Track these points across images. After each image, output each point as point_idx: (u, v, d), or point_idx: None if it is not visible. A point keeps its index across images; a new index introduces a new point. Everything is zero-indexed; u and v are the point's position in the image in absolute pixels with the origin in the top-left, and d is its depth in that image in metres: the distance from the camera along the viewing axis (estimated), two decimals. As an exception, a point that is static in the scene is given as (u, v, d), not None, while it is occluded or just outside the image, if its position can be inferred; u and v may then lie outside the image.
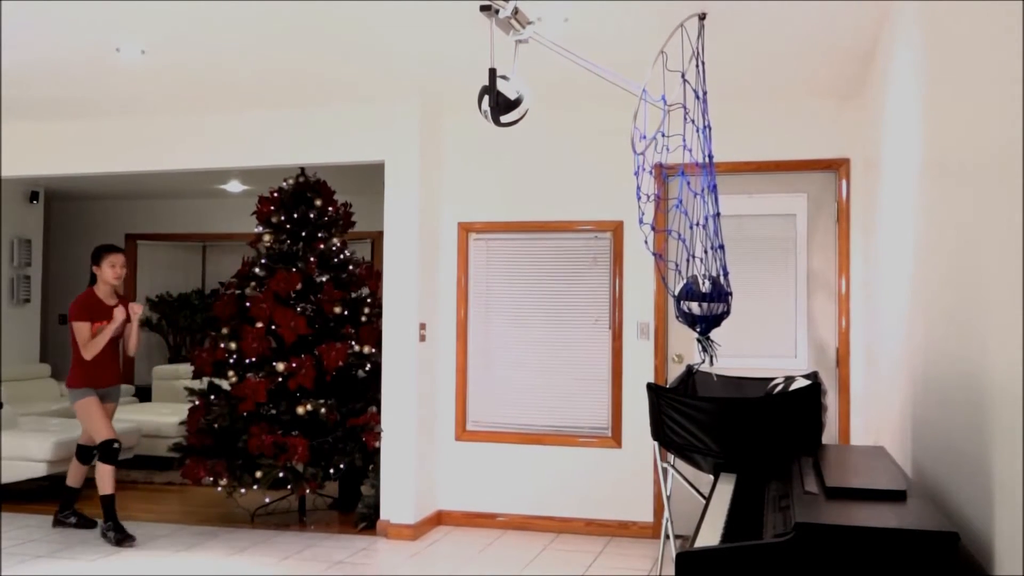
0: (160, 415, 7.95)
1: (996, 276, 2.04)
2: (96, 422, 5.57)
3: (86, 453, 5.81)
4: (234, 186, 9.28)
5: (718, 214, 4.15)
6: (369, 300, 6.28)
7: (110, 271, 5.66)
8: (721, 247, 4.12)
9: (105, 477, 5.53)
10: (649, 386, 3.99)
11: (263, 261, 6.14)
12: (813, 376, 4.12)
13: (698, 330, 4.08)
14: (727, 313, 4.09)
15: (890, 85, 4.00)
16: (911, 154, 3.37)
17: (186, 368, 8.63)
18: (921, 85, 3.15)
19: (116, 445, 5.57)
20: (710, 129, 4.11)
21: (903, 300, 3.58)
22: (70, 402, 5.68)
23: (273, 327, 5.91)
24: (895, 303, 3.85)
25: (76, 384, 5.60)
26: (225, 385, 6.05)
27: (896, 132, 3.82)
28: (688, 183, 4.14)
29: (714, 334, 4.17)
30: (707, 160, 4.08)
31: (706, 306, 4.01)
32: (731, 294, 4.13)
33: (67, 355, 10.31)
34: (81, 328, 5.55)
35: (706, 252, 4.09)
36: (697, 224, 4.11)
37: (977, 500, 2.23)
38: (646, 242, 4.41)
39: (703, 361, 4.16)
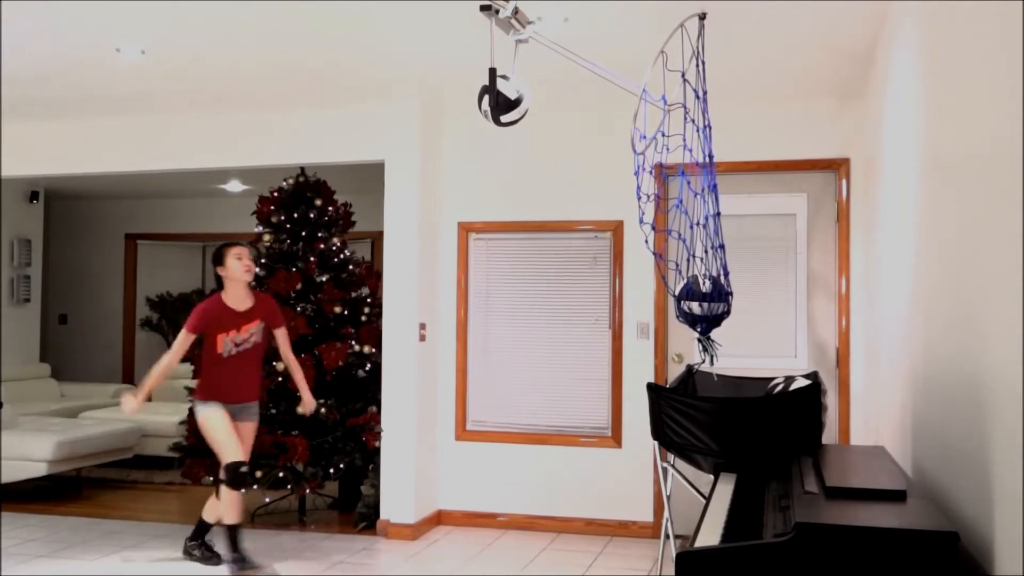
0: (160, 415, 7.95)
1: (996, 275, 2.04)
2: (220, 438, 4.78)
3: (236, 471, 4.80)
4: (234, 186, 9.28)
5: (718, 214, 4.15)
6: (369, 300, 6.28)
7: (237, 264, 4.86)
8: (721, 247, 4.12)
9: (231, 504, 4.77)
10: (649, 386, 3.99)
11: (263, 261, 6.14)
12: (813, 376, 4.12)
13: (698, 330, 4.08)
14: (727, 313, 4.09)
15: (890, 85, 4.00)
16: (911, 154, 3.37)
17: (186, 368, 8.61)
18: (921, 85, 3.15)
19: (243, 468, 4.79)
20: (710, 129, 4.11)
21: (903, 300, 3.58)
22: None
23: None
24: (895, 303, 3.85)
25: (199, 396, 4.91)
26: (225, 385, 6.04)
27: (896, 132, 3.82)
28: (688, 183, 4.14)
29: (714, 334, 4.17)
30: (707, 160, 4.08)
31: (706, 306, 4.01)
32: (731, 294, 4.13)
33: (66, 355, 10.39)
34: (181, 338, 4.80)
35: (706, 252, 4.09)
36: (697, 224, 4.11)
37: (977, 500, 2.23)
38: (646, 242, 4.42)
39: (703, 361, 4.16)
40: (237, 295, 4.89)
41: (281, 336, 5.05)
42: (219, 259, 4.91)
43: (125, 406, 4.71)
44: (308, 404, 5.10)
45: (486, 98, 3.54)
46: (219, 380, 4.86)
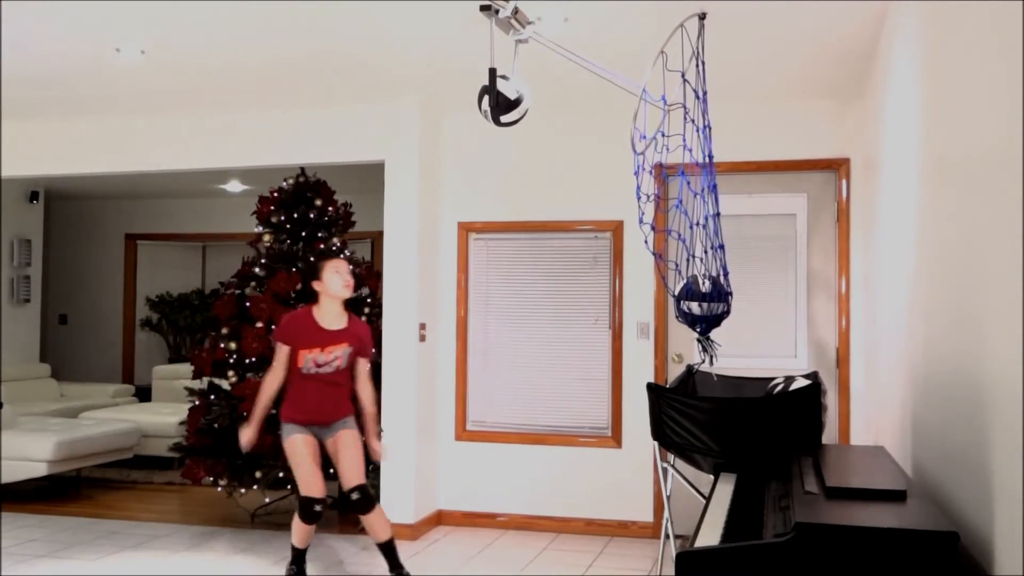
0: (160, 415, 7.95)
1: (996, 275, 2.04)
2: (300, 469, 4.48)
3: (308, 508, 4.48)
4: (234, 186, 9.28)
5: (718, 214, 4.14)
6: (369, 300, 6.28)
7: (336, 279, 4.49)
8: (721, 247, 4.12)
9: (297, 531, 4.55)
10: (649, 386, 3.99)
11: (263, 261, 6.13)
12: (813, 376, 4.12)
13: (698, 330, 4.08)
14: (727, 313, 4.09)
15: (890, 85, 4.00)
16: (911, 154, 3.37)
17: (186, 368, 8.63)
18: (920, 85, 3.15)
19: (317, 508, 4.45)
20: (710, 129, 4.11)
21: (903, 300, 3.58)
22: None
23: (273, 327, 5.91)
24: (895, 303, 3.85)
25: (283, 416, 4.57)
26: (225, 385, 6.05)
27: (896, 132, 3.82)
28: (688, 183, 4.14)
29: (714, 334, 4.17)
30: (707, 160, 4.08)
31: (706, 306, 4.01)
32: (731, 294, 4.13)
33: (66, 355, 10.39)
34: (277, 352, 4.53)
35: (706, 252, 4.09)
36: (697, 224, 4.11)
37: (977, 500, 2.22)
38: (646, 242, 4.41)
39: (703, 361, 4.16)
40: (331, 312, 4.52)
41: (363, 369, 4.64)
42: (315, 272, 4.54)
43: (243, 439, 4.56)
44: (376, 453, 4.68)
45: (486, 98, 3.54)
46: (299, 399, 4.51)
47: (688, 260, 4.10)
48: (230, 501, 6.35)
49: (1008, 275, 1.92)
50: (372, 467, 5.87)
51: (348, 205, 6.45)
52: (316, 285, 4.53)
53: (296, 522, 4.54)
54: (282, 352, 4.50)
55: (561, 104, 5.79)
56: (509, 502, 5.94)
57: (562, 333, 5.94)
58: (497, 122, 3.59)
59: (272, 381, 4.55)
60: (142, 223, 10.52)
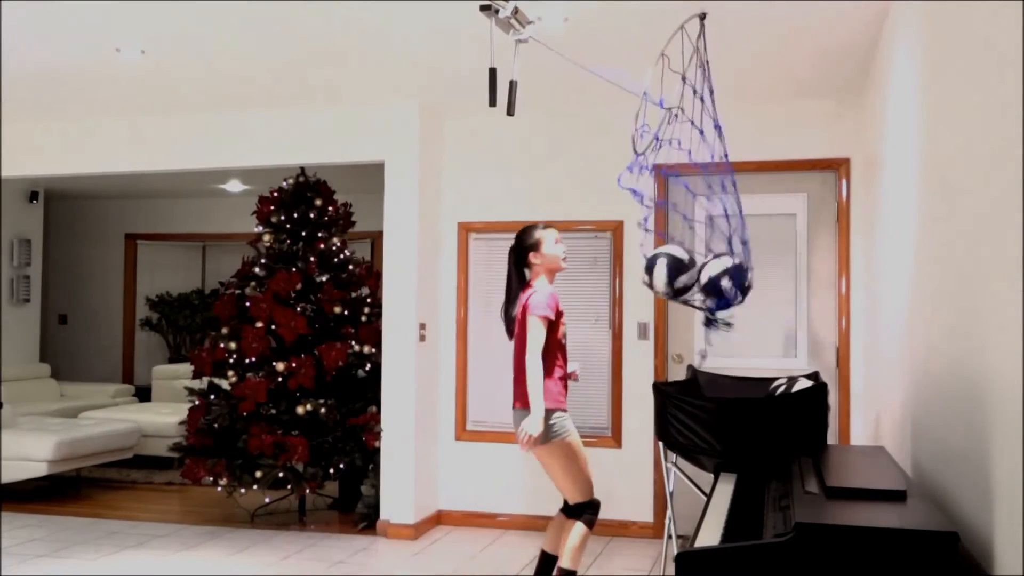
0: (160, 415, 7.95)
1: (996, 275, 2.04)
2: (584, 471, 4.16)
3: (597, 509, 4.18)
4: (234, 186, 9.27)
5: (740, 211, 4.10)
6: (369, 300, 6.28)
7: (556, 248, 4.07)
8: (744, 243, 4.09)
9: (582, 547, 4.06)
10: (655, 385, 3.98)
11: (263, 261, 6.14)
12: (815, 376, 4.11)
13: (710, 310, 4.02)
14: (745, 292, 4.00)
15: (890, 85, 4.00)
16: (911, 154, 3.37)
17: (186, 368, 8.61)
18: (921, 84, 3.15)
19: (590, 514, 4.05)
20: (720, 128, 4.07)
21: (903, 300, 3.58)
22: (539, 438, 3.92)
23: (273, 327, 5.91)
24: (895, 303, 3.85)
25: (552, 403, 3.97)
26: (225, 385, 6.05)
27: (896, 131, 3.82)
28: (687, 186, 4.12)
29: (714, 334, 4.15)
30: (724, 156, 4.05)
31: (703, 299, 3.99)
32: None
33: (66, 354, 10.40)
34: (538, 329, 3.90)
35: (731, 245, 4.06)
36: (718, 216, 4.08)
37: (977, 500, 2.22)
38: (642, 245, 4.38)
39: (715, 327, 4.05)
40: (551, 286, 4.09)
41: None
42: (534, 244, 4.06)
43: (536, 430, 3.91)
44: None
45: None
46: (562, 379, 4.05)
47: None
48: (230, 501, 6.35)
49: (1008, 274, 1.92)
50: (372, 467, 5.88)
51: (348, 205, 6.45)
52: (535, 258, 4.07)
53: (579, 536, 4.02)
54: (544, 325, 3.93)
55: (561, 104, 5.79)
56: (509, 502, 5.94)
57: (562, 333, 5.92)
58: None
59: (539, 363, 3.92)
60: (142, 223, 10.51)
